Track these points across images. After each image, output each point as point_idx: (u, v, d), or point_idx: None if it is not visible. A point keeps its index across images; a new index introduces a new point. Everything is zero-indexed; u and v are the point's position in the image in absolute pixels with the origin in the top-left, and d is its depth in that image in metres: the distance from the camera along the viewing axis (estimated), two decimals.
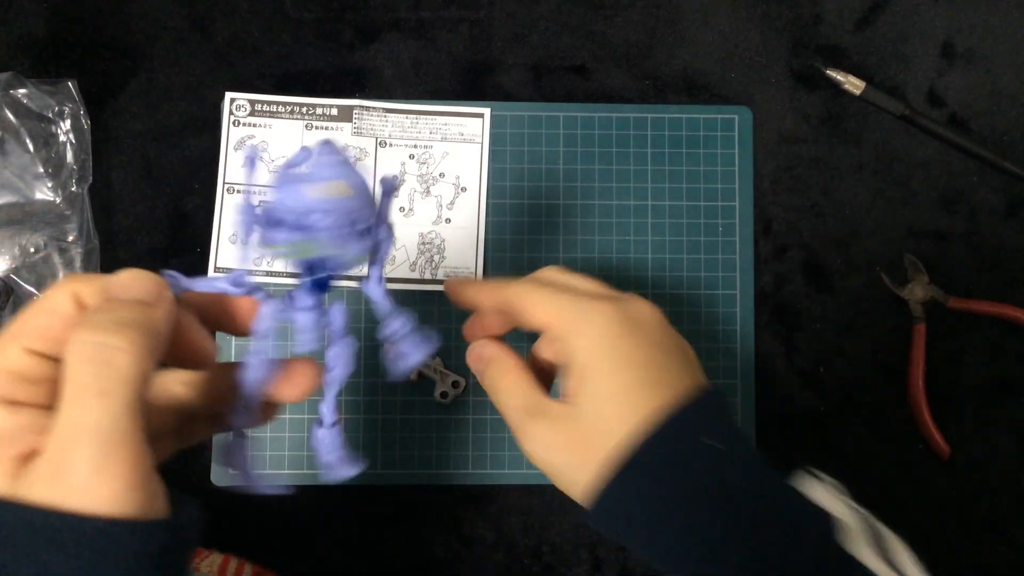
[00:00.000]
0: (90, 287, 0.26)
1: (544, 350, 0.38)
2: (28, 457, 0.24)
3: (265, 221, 0.29)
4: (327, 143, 0.29)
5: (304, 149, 0.29)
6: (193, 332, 0.29)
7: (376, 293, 0.32)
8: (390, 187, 0.32)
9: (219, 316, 0.31)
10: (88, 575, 0.22)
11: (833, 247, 0.56)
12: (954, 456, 0.54)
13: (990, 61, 0.57)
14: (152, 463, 0.24)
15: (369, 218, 0.29)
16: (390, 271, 0.55)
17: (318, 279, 0.30)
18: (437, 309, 0.55)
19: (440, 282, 0.55)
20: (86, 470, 0.23)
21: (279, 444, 0.53)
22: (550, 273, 0.37)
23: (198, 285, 0.29)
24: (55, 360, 0.25)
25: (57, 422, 0.23)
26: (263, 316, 0.30)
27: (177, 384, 0.31)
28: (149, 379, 0.25)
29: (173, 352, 0.28)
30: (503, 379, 0.36)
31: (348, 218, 0.28)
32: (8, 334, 0.26)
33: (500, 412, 0.36)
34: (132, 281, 0.26)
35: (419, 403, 0.54)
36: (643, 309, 0.34)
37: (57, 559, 0.22)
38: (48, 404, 0.25)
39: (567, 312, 0.34)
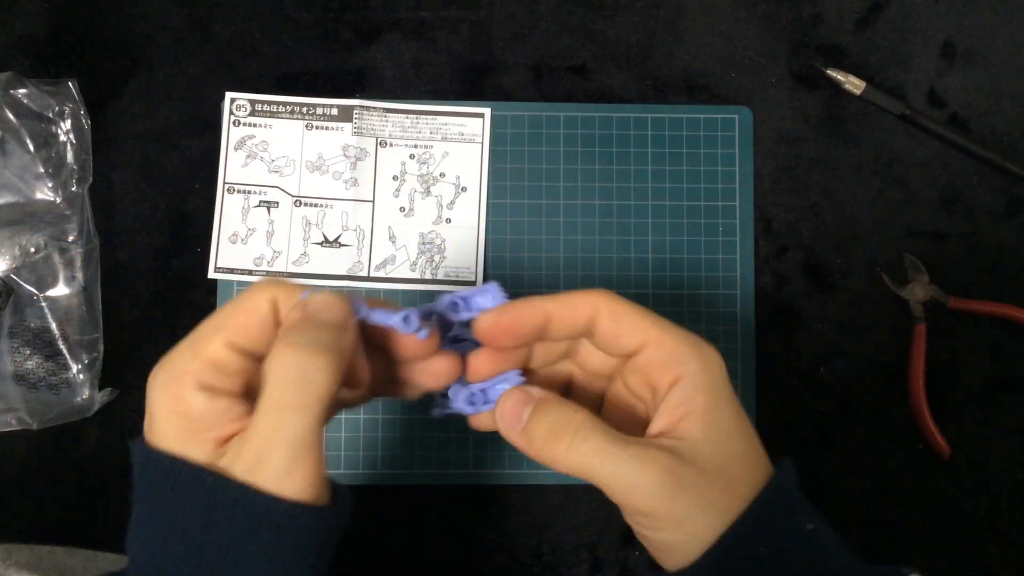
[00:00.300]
0: (288, 296, 0.29)
1: (596, 374, 0.35)
2: (224, 441, 0.28)
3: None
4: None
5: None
6: (358, 356, 0.31)
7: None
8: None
9: (383, 345, 0.32)
10: (272, 543, 0.27)
11: (833, 247, 0.56)
12: (954, 456, 0.54)
13: (990, 61, 0.57)
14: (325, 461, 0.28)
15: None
16: (390, 271, 0.55)
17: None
18: None
19: (440, 282, 0.55)
20: (280, 469, 0.27)
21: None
22: (610, 293, 0.32)
23: (376, 316, 0.31)
24: (249, 355, 0.29)
25: (259, 424, 0.27)
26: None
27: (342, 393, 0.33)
28: (336, 395, 0.28)
29: None
30: (575, 417, 0.30)
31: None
32: (211, 327, 0.29)
33: (563, 461, 0.29)
34: (329, 304, 0.29)
35: (419, 403, 0.54)
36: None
37: (250, 526, 0.27)
38: (240, 392, 0.29)
39: (677, 338, 0.30)
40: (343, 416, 0.54)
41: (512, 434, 0.31)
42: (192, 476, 0.27)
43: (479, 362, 0.33)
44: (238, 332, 0.29)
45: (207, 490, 0.27)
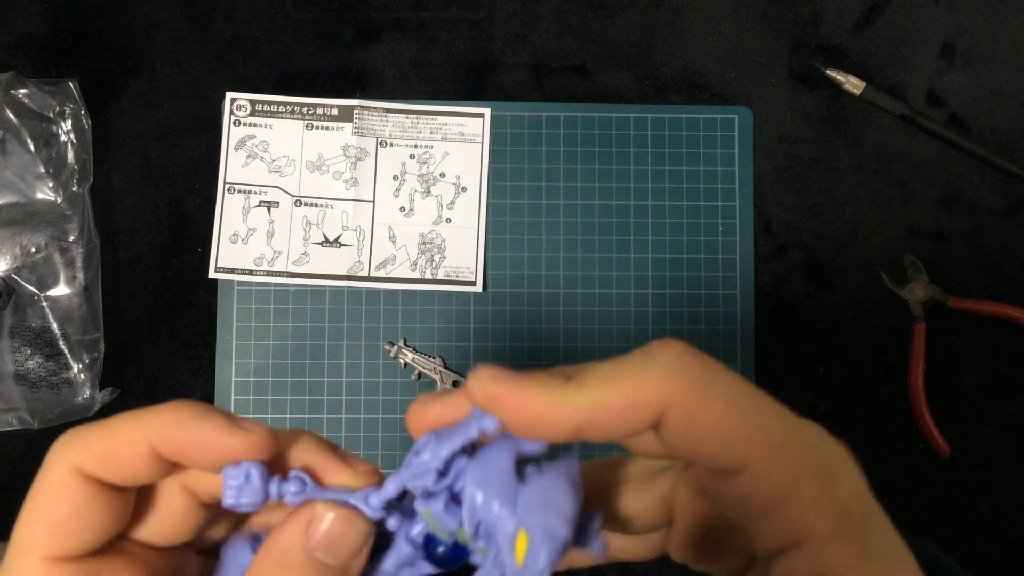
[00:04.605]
0: (90, 456, 0.21)
1: (686, 502, 0.23)
2: None
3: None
4: (566, 465, 0.20)
5: (506, 438, 0.20)
6: None
7: None
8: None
9: None
10: None
11: (833, 247, 0.56)
12: (954, 456, 0.54)
13: (990, 61, 0.57)
14: None
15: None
16: (391, 271, 0.55)
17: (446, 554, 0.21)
18: (437, 309, 0.55)
19: (441, 281, 0.55)
20: None
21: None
22: (687, 371, 0.19)
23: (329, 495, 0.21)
24: (84, 558, 0.21)
25: None
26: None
27: None
28: None
29: None
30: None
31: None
32: (18, 546, 0.21)
33: None
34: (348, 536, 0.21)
35: None
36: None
37: None
38: None
39: (796, 466, 0.19)
40: (343, 416, 0.54)
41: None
42: None
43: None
44: (52, 539, 0.20)
45: None
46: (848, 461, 0.20)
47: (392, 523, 0.21)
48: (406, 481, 0.20)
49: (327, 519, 0.21)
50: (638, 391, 0.18)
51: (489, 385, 0.19)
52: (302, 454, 0.22)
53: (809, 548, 0.18)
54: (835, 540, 0.18)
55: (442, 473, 0.20)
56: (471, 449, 0.20)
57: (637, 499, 0.23)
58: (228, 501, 0.20)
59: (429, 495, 0.21)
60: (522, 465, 0.20)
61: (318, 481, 0.21)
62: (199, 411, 0.21)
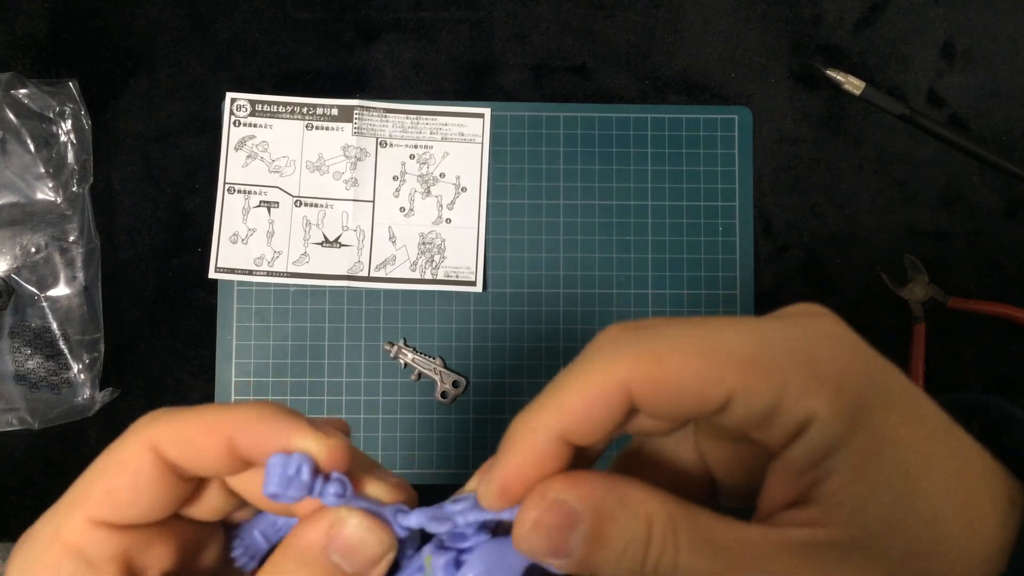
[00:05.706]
0: (176, 437, 0.21)
1: (678, 448, 0.23)
2: None
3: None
4: None
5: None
6: None
7: None
8: None
9: None
10: None
11: (833, 247, 0.56)
12: None
13: (990, 61, 0.57)
14: None
15: None
16: (391, 271, 0.55)
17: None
18: (437, 309, 0.55)
19: (441, 281, 0.55)
20: None
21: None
22: (619, 333, 0.21)
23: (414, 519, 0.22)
24: (125, 529, 0.21)
25: None
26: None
27: None
28: None
29: None
30: (657, 521, 0.19)
31: None
32: (70, 499, 0.21)
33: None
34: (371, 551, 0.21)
35: (419, 403, 0.54)
36: (828, 321, 0.21)
37: None
38: None
39: (761, 351, 0.19)
40: (343, 416, 0.54)
41: (563, 568, 0.20)
42: None
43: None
44: (103, 502, 0.20)
45: None
46: (827, 337, 0.20)
47: (410, 552, 0.22)
48: (427, 521, 0.21)
49: (350, 524, 0.21)
50: (593, 384, 0.19)
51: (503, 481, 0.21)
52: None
53: (807, 433, 0.18)
54: (831, 418, 0.18)
55: (461, 534, 0.21)
56: (503, 528, 0.21)
57: (681, 460, 0.24)
58: (272, 490, 0.20)
59: (442, 546, 0.21)
60: (534, 571, 0.21)
61: (355, 488, 0.22)
62: (282, 411, 0.21)
